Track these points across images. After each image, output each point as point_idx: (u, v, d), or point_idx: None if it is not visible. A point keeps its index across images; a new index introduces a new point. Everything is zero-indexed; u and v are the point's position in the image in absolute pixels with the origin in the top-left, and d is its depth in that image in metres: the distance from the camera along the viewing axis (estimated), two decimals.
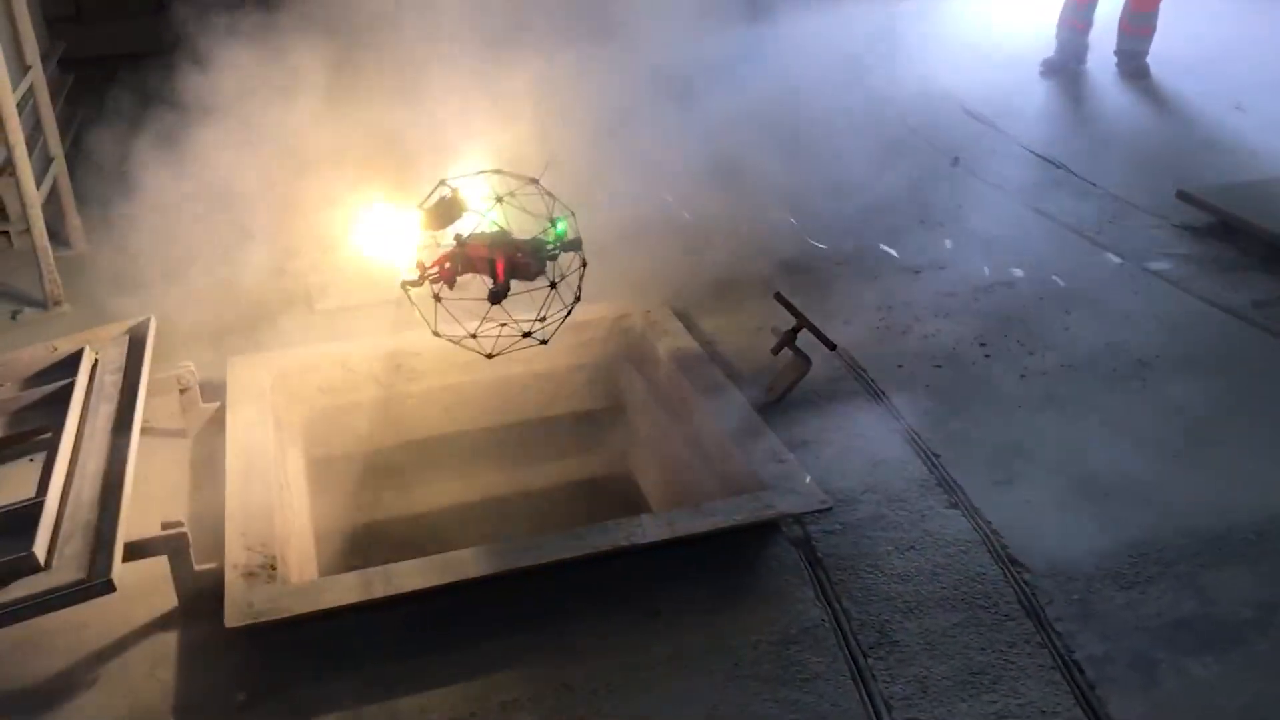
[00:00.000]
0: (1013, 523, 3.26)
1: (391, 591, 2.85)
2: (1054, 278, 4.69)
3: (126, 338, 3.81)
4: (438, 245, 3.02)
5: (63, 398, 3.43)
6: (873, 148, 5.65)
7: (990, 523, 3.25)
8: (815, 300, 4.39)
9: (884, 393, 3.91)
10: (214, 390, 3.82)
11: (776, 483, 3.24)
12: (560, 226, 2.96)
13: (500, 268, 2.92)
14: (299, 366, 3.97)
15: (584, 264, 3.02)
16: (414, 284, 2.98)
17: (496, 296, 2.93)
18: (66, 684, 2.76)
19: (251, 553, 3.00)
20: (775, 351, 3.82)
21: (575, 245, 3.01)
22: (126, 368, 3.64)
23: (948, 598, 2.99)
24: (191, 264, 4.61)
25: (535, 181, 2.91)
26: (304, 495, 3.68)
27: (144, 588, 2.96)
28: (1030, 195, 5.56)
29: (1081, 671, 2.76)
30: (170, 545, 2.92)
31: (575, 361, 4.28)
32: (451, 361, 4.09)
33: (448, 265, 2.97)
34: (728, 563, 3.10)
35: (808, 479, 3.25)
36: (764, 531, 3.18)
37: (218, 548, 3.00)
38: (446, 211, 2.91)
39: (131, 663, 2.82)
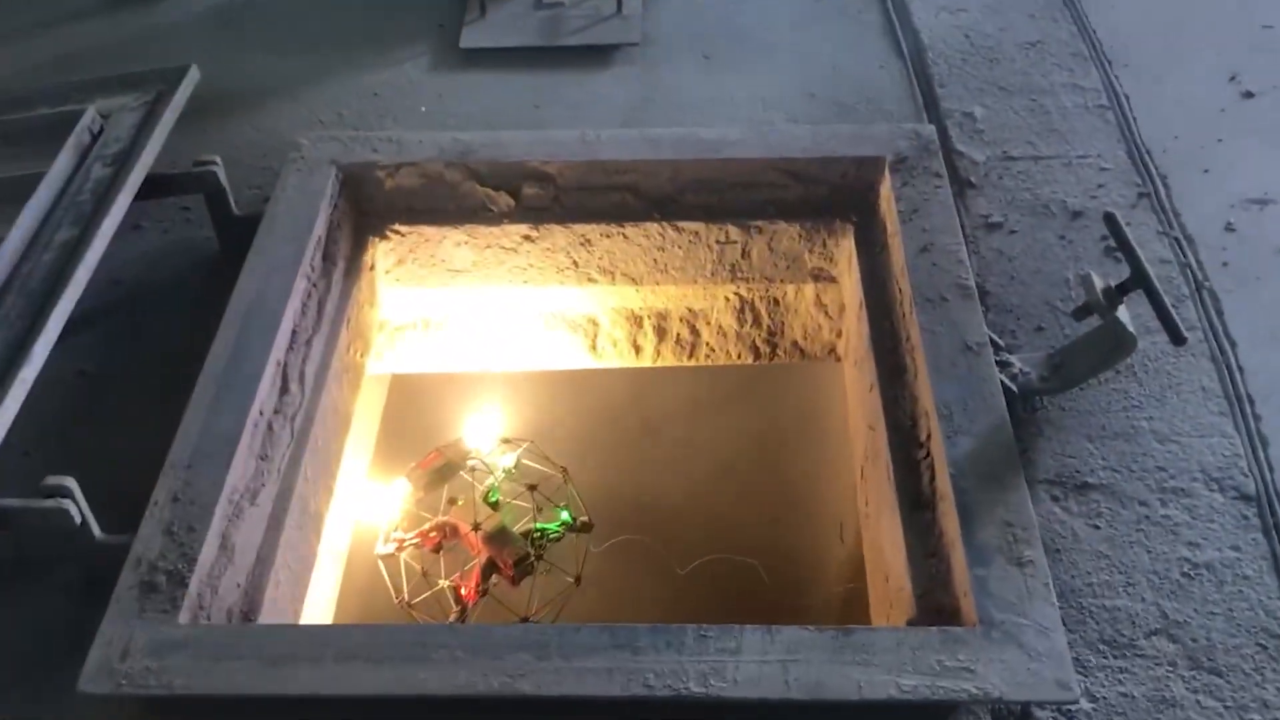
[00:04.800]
0: None
1: (324, 692, 1.83)
2: None
3: (152, 96, 2.74)
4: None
5: (25, 196, 2.46)
6: None
7: None
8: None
9: (1257, 416, 2.32)
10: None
11: (997, 614, 1.88)
12: (565, 515, 2.92)
13: (476, 577, 2.74)
14: (388, 165, 2.77)
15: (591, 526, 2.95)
16: (388, 557, 2.83)
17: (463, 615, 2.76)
18: None
19: (170, 539, 2.03)
20: (1078, 317, 2.27)
21: (587, 529, 2.93)
22: (129, 152, 2.60)
23: None
24: None
25: (564, 470, 2.98)
26: (340, 390, 2.63)
27: None
28: None
29: None
30: (44, 519, 1.99)
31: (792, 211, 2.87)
32: (598, 195, 2.82)
33: (432, 535, 2.84)
34: None
35: (1056, 633, 1.86)
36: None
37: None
38: (440, 474, 2.91)
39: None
